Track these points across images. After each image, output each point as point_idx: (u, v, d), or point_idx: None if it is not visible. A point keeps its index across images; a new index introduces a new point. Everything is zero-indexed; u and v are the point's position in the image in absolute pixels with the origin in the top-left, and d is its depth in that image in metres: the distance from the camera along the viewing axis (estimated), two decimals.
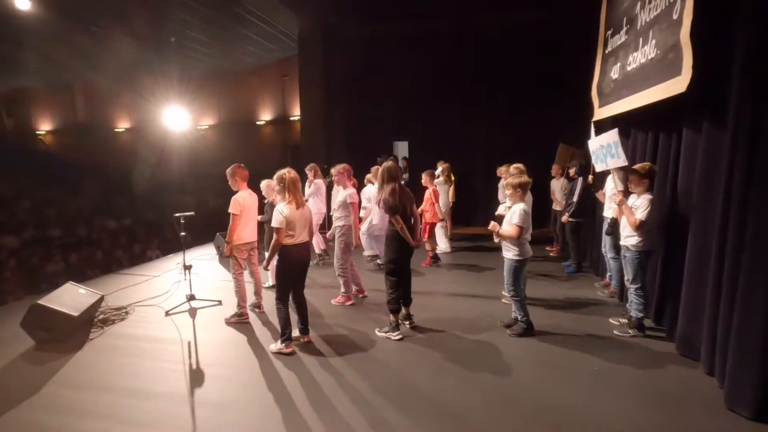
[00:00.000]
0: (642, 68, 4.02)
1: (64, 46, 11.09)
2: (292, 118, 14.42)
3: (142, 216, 11.48)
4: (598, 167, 4.35)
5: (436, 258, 6.55)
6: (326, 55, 9.23)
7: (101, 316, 4.57)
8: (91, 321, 4.41)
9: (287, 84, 14.08)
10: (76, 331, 4.14)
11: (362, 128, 9.59)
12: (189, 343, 4.01)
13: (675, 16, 3.35)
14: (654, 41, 3.76)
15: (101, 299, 4.63)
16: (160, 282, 5.91)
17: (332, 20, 8.90)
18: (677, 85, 3.24)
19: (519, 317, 3.94)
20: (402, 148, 10.61)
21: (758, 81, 2.62)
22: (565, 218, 5.79)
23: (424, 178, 6.29)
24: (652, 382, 3.15)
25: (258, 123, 15.17)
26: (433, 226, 6.38)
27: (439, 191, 6.46)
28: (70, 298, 4.29)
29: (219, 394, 3.17)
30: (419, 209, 6.11)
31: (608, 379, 3.21)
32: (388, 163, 4.12)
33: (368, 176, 6.25)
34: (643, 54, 4.00)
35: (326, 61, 9.25)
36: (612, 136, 3.87)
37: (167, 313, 4.69)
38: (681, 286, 3.52)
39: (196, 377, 3.41)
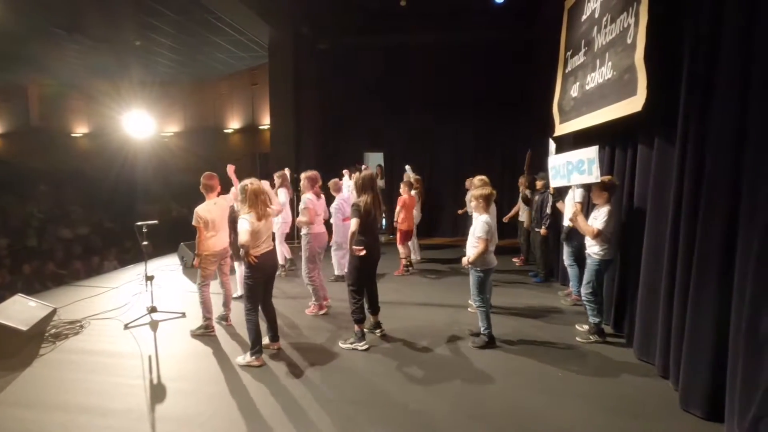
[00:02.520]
0: (600, 87, 4.26)
1: (18, 47, 10.54)
2: (261, 127, 14.24)
3: (100, 225, 10.97)
4: (556, 182, 4.48)
5: (408, 266, 6.61)
6: (297, 64, 9.22)
7: (53, 330, 4.31)
8: (42, 335, 4.15)
9: (257, 92, 13.93)
10: (24, 347, 3.89)
11: (333, 139, 9.61)
12: (150, 357, 3.84)
13: (629, 41, 3.59)
14: (610, 63, 4.01)
15: (53, 312, 4.38)
16: (118, 294, 5.64)
17: (304, 32, 8.93)
18: (633, 104, 3.46)
19: (482, 329, 3.98)
20: (373, 159, 10.67)
21: (704, 103, 2.82)
22: (543, 231, 5.87)
23: (403, 187, 6.44)
24: (612, 387, 3.28)
25: (226, 131, 14.89)
26: (404, 233, 6.44)
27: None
28: (18, 311, 4.06)
29: (182, 408, 3.05)
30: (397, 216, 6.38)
31: (571, 384, 3.32)
32: (366, 172, 4.16)
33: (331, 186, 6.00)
34: (601, 74, 4.24)
35: (297, 70, 9.23)
36: (589, 152, 3.81)
37: (126, 326, 4.48)
38: (637, 294, 3.72)
39: (157, 392, 3.26)
